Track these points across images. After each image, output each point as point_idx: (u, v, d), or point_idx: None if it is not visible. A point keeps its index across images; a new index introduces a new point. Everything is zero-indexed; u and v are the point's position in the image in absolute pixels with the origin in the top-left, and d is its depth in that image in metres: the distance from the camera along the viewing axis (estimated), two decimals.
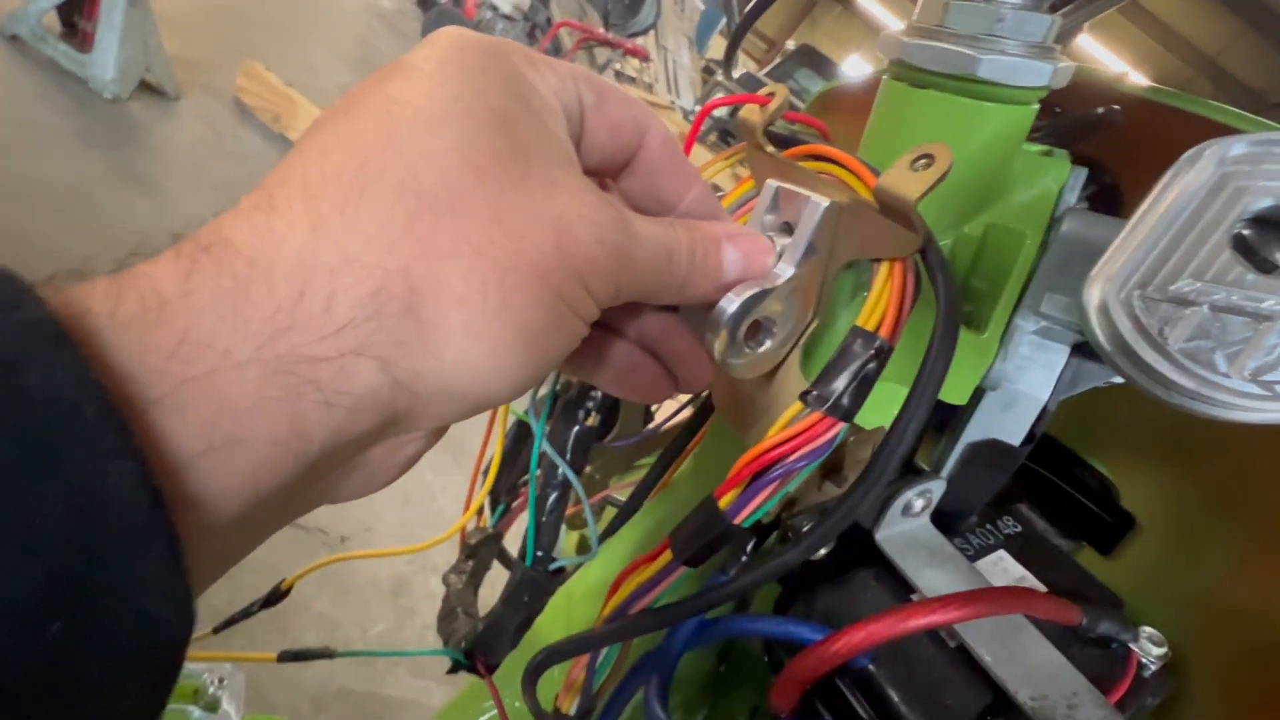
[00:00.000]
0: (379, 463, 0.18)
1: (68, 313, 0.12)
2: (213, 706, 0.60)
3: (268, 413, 0.14)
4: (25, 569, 0.10)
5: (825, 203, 0.23)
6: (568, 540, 0.50)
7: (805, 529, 0.26)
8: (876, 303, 0.23)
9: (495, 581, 0.46)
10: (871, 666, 0.25)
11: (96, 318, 0.13)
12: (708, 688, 0.37)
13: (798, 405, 0.23)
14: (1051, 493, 0.37)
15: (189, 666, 0.63)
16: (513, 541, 0.48)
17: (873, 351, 0.22)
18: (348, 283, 0.15)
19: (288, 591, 0.35)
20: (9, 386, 0.10)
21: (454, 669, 0.34)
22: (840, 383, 0.22)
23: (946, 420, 0.31)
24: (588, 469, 0.41)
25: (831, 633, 0.24)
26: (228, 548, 0.15)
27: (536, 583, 0.31)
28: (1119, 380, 0.28)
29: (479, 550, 0.41)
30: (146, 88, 2.12)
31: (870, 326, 0.23)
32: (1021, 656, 0.25)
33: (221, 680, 0.62)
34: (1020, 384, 0.27)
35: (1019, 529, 0.34)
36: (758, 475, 0.23)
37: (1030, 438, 0.28)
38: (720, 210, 0.24)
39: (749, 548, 0.28)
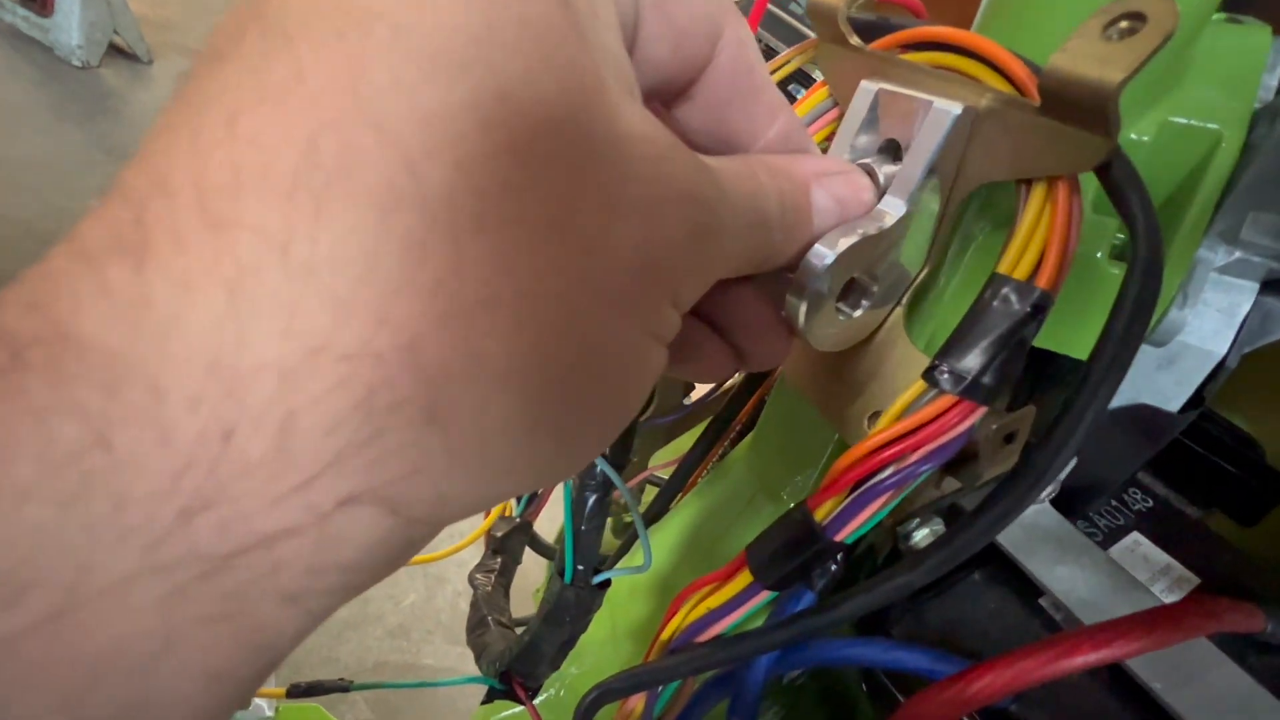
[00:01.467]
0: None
1: None
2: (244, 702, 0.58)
3: (189, 647, 0.08)
4: None
5: (955, 108, 0.16)
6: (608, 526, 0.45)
7: (926, 544, 0.20)
8: (1029, 239, 0.16)
9: (530, 571, 0.42)
10: (1014, 709, 0.20)
11: None
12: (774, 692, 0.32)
13: (919, 385, 0.17)
14: (1174, 453, 0.31)
15: None
16: (544, 526, 0.43)
17: (1029, 308, 0.16)
18: (315, 392, 0.08)
19: None
20: None
21: (489, 698, 0.30)
22: (981, 354, 0.16)
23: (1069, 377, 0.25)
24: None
25: (963, 666, 0.19)
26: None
27: (579, 601, 0.26)
28: None
29: (507, 543, 0.37)
30: (117, 52, 2.01)
31: (1021, 273, 0.16)
32: (1198, 678, 0.20)
33: None
34: (1188, 335, 0.21)
35: (1150, 503, 0.28)
36: (864, 480, 0.18)
37: (1196, 401, 0.22)
38: (810, 144, 0.18)
39: (840, 555, 0.23)
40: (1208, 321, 0.21)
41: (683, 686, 0.24)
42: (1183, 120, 0.18)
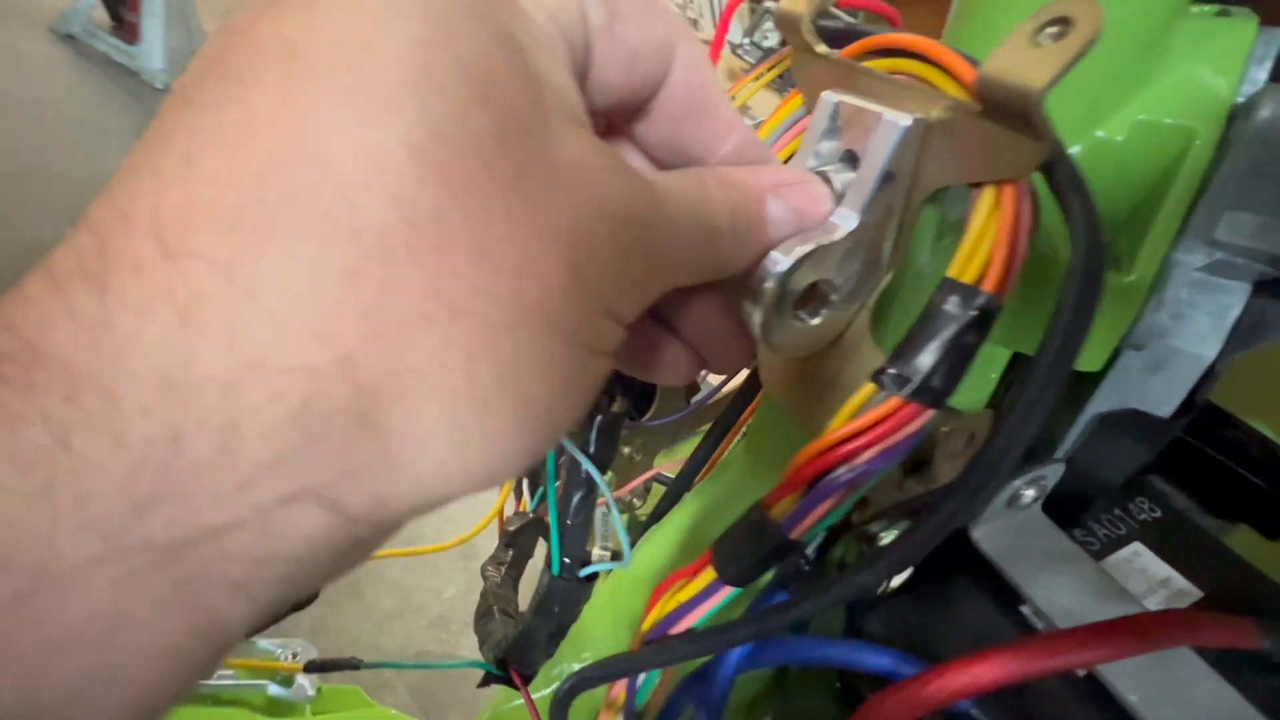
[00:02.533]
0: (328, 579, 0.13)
1: None
2: (288, 681, 0.62)
3: (143, 627, 0.09)
4: None
5: (904, 121, 0.17)
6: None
7: (885, 542, 0.20)
8: (978, 243, 0.16)
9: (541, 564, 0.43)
10: (974, 712, 0.20)
11: None
12: (768, 694, 0.32)
13: (869, 387, 0.18)
14: (1193, 460, 0.30)
15: (264, 644, 0.65)
16: None
17: (974, 312, 0.16)
18: (254, 401, 0.09)
19: (315, 597, 0.33)
20: None
21: (485, 682, 0.32)
22: (928, 356, 0.17)
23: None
24: (626, 450, 0.37)
25: (924, 668, 0.19)
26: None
27: (566, 592, 0.28)
28: None
29: (518, 538, 0.38)
30: None
31: (968, 277, 0.16)
32: (1180, 694, 0.20)
33: (295, 655, 0.64)
34: (1176, 338, 0.21)
35: (1157, 513, 0.27)
36: (818, 478, 0.18)
37: (1187, 407, 0.21)
38: (768, 156, 0.18)
39: (811, 553, 0.23)
40: (1197, 325, 0.20)
41: (662, 678, 0.25)
42: (1155, 119, 0.18)
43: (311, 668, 0.33)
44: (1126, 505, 0.27)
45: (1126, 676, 0.20)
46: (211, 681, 0.59)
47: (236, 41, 0.11)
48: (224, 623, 0.10)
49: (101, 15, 2.09)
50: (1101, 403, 0.23)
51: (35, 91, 1.83)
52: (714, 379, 0.38)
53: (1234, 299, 0.20)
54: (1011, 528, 0.24)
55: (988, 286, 0.16)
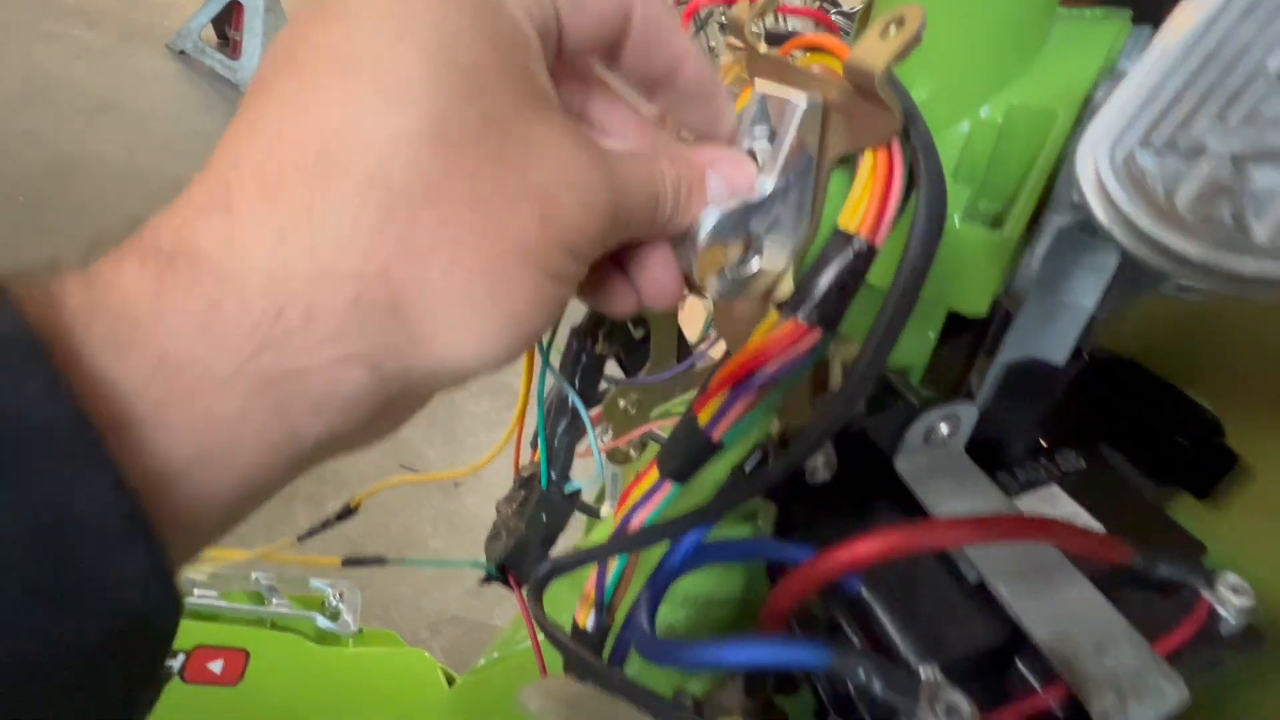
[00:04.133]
0: (375, 430, 0.18)
1: (43, 323, 0.12)
2: (334, 616, 0.70)
3: (256, 422, 0.14)
4: None
5: (801, 103, 0.21)
6: (625, 474, 0.51)
7: (821, 469, 0.25)
8: (860, 199, 0.21)
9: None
10: (864, 591, 0.23)
11: (70, 334, 0.13)
12: (735, 622, 0.36)
13: (775, 315, 0.22)
14: (1140, 432, 0.32)
15: (316, 584, 0.73)
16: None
17: (851, 254, 0.20)
18: (325, 294, 0.14)
19: (357, 509, 0.39)
20: None
21: (486, 580, 0.37)
22: (817, 289, 0.21)
23: (983, 341, 0.28)
24: (622, 404, 0.42)
25: (819, 552, 0.23)
26: (219, 531, 0.16)
27: (552, 503, 0.33)
28: (1190, 285, 0.24)
29: (531, 481, 0.44)
30: None
31: (851, 227, 0.21)
32: (1048, 594, 0.23)
33: (342, 595, 0.72)
34: (1063, 293, 0.24)
35: (1083, 465, 0.30)
36: (735, 388, 0.23)
37: (1077, 353, 0.25)
38: (717, 89, 0.22)
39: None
40: (1079, 280, 0.24)
41: (627, 573, 0.29)
42: (1025, 103, 0.22)
43: (348, 563, 0.39)
44: (1054, 456, 0.30)
45: (1003, 578, 0.23)
46: (270, 610, 0.68)
47: (300, 47, 0.15)
48: (302, 434, 0.15)
49: (210, 34, 2.32)
50: (1008, 352, 0.26)
51: (151, 102, 2.06)
52: (711, 351, 0.43)
53: (1110, 257, 0.23)
54: (931, 461, 0.28)
55: (863, 232, 0.20)
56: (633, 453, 0.43)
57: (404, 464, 1.34)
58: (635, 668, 0.27)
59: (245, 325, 0.14)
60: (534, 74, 0.18)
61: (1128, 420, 0.32)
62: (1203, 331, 0.32)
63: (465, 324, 0.16)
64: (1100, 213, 0.15)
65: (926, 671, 0.21)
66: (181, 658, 0.59)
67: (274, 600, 0.68)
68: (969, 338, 0.28)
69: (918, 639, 0.22)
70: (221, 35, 2.35)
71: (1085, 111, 0.21)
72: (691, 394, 0.43)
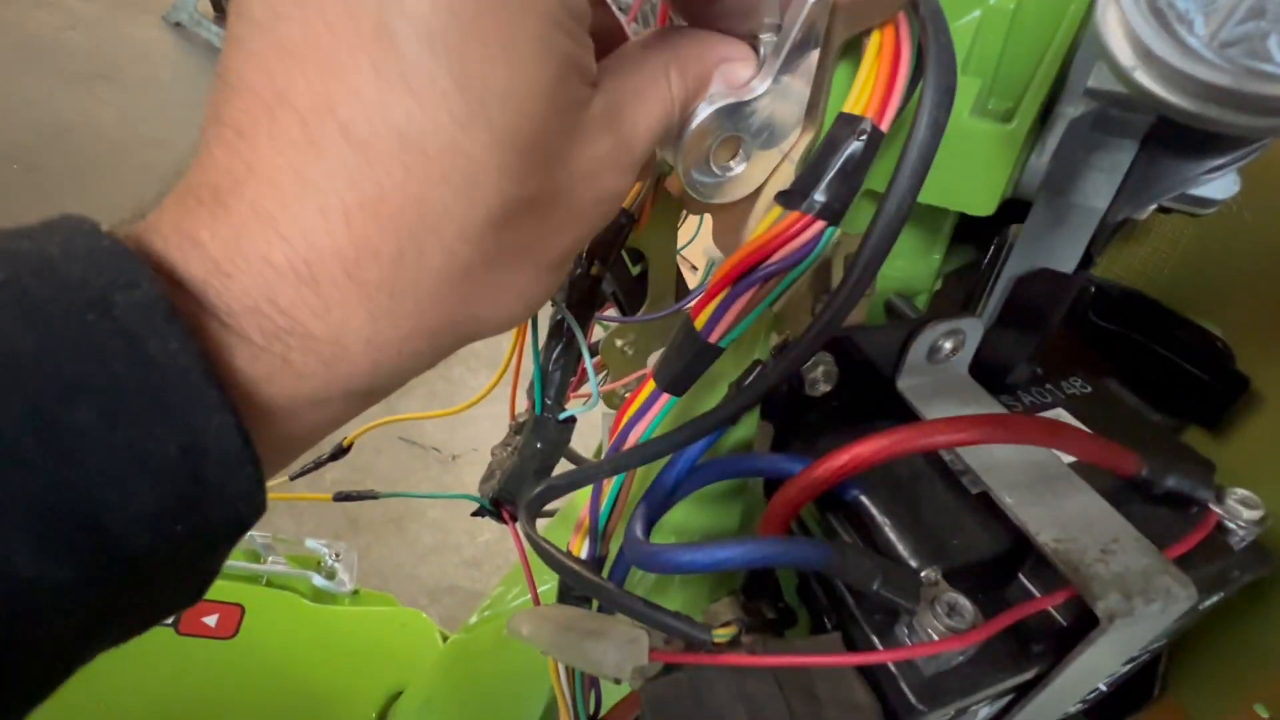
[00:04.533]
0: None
1: (172, 285, 0.14)
2: (330, 575, 0.70)
3: (282, 379, 0.16)
4: (154, 489, 0.14)
5: None
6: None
7: (822, 380, 0.24)
8: (866, 81, 0.20)
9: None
10: (863, 498, 0.23)
11: (190, 298, 0.15)
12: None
13: (777, 209, 0.21)
14: (1149, 363, 0.31)
15: (312, 544, 0.73)
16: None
17: (855, 136, 0.20)
18: (324, 244, 0.15)
19: (349, 449, 0.39)
20: (137, 354, 0.13)
21: (479, 513, 0.36)
22: (818, 178, 0.20)
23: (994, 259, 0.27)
24: (619, 343, 0.41)
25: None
26: (296, 456, 0.18)
27: (546, 428, 0.32)
28: (1206, 184, 0.23)
29: (524, 425, 0.43)
30: None
31: (857, 109, 0.20)
32: (1054, 503, 0.22)
33: (338, 555, 0.72)
34: (1073, 195, 0.23)
35: (1088, 390, 0.29)
36: (734, 285, 0.22)
37: (1087, 260, 0.24)
38: None
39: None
40: (1091, 181, 0.23)
41: (621, 498, 0.29)
42: None
43: (339, 497, 0.38)
44: (1060, 382, 0.29)
45: (1008, 488, 0.22)
46: (265, 567, 0.67)
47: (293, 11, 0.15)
48: (311, 377, 0.16)
49: (206, 6, 2.29)
50: (1016, 264, 0.25)
51: (149, 71, 2.03)
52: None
53: (1124, 155, 0.22)
54: (934, 381, 0.27)
55: (869, 113, 0.19)
56: (629, 395, 0.42)
57: (403, 436, 1.34)
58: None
59: (267, 278, 0.15)
60: (579, 90, 0.17)
61: (1135, 352, 0.32)
62: (1210, 259, 0.31)
63: (511, 304, 0.19)
64: (1125, 56, 0.14)
65: (928, 573, 0.20)
66: None
67: (270, 558, 0.68)
68: (973, 259, 0.27)
69: (919, 543, 0.21)
70: (218, 8, 2.32)
71: None
72: None
